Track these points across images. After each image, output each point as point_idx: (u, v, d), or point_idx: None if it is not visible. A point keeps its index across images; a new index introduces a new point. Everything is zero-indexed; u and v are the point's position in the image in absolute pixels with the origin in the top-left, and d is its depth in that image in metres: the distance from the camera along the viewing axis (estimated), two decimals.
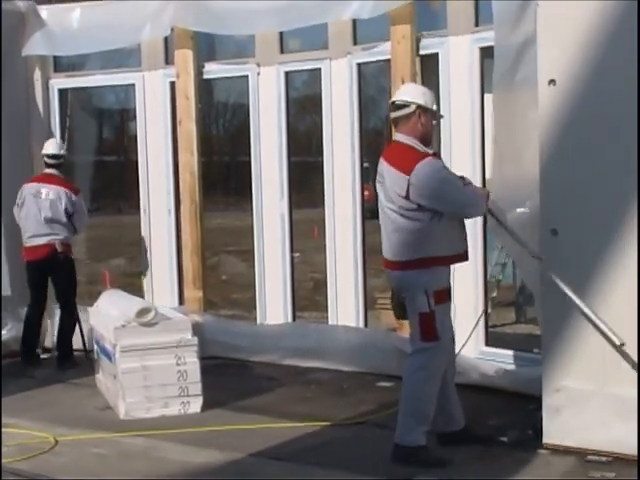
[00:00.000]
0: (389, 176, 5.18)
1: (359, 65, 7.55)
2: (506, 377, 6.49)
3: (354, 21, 7.46)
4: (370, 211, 7.31)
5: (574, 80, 5.15)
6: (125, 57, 9.11)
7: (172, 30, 8.18)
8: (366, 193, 7.95)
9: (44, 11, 8.70)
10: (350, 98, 7.58)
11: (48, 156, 8.16)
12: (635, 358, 4.96)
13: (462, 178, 5.30)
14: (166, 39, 8.42)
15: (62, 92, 9.09)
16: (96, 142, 13.94)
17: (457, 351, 5.71)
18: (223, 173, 17.78)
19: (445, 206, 5.12)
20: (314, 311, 9.26)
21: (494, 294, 9.57)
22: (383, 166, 5.25)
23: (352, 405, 6.49)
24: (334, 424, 6.03)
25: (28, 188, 8.12)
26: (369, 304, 8.15)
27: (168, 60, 8.50)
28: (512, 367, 6.63)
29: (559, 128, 5.23)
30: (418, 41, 7.07)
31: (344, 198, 7.66)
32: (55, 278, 8.09)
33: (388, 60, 7.21)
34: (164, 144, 8.57)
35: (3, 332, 8.35)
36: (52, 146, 8.21)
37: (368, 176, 8.64)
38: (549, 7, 5.21)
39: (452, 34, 6.89)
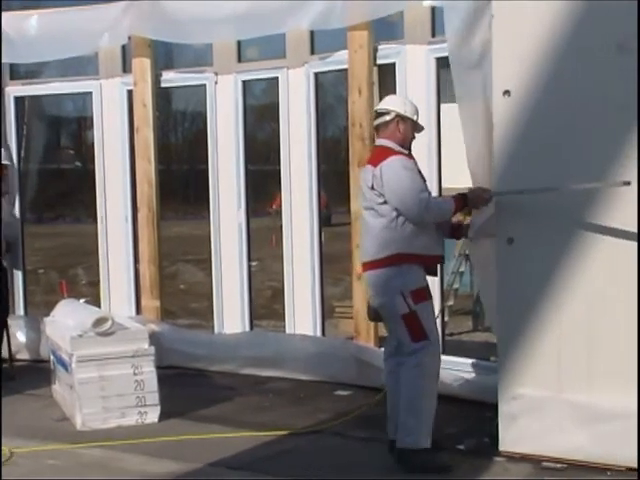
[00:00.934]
0: (364, 174, 5.35)
1: (316, 74, 7.58)
2: (463, 385, 6.52)
3: (312, 31, 7.49)
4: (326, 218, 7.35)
5: (529, 91, 5.21)
6: (83, 65, 9.05)
7: (130, 38, 8.15)
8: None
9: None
10: (307, 107, 7.60)
11: None
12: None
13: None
14: (124, 47, 8.38)
15: (18, 100, 9.01)
16: (54, 150, 13.85)
17: None
18: (182, 181, 17.70)
19: (394, 201, 5.16)
20: (272, 320, 9.26)
21: (451, 302, 9.65)
22: (362, 169, 5.42)
23: (310, 414, 6.50)
24: (292, 433, 6.02)
25: None
26: (327, 313, 8.15)
27: (126, 68, 8.46)
28: (469, 375, 6.66)
29: (514, 138, 5.28)
30: (375, 51, 7.11)
31: (301, 206, 7.68)
32: None
33: (346, 69, 7.24)
34: (121, 152, 8.54)
35: None
36: None
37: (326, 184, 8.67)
38: (504, 19, 5.27)
39: (409, 44, 6.94)
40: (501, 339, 5.46)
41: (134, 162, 8.40)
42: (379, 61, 7.15)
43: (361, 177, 5.45)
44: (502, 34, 5.27)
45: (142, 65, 8.22)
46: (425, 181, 5.38)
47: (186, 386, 7.44)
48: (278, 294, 8.29)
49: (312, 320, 7.70)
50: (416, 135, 5.45)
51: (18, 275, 8.91)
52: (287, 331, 7.86)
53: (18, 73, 9.07)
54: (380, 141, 5.41)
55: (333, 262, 9.08)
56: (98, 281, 8.84)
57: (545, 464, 5.19)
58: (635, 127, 4.91)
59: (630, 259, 4.98)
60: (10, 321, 8.23)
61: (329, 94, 12.23)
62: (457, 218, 5.73)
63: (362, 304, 7.16)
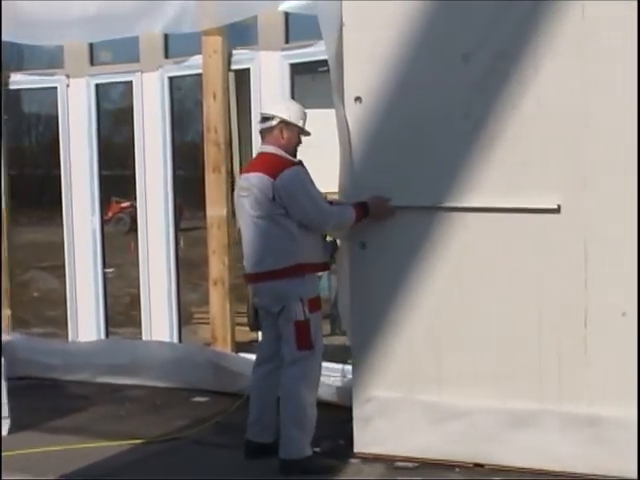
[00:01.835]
0: (258, 183, 5.20)
1: (171, 79, 7.51)
2: (321, 388, 6.55)
3: (166, 34, 7.42)
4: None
5: (379, 97, 5.30)
6: None
7: None
8: None
9: None
10: (162, 112, 7.52)
11: None
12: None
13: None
14: None
15: None
16: None
17: None
18: (36, 186, 17.24)
19: (297, 214, 5.17)
20: (131, 327, 9.10)
21: None
22: (250, 177, 5.28)
23: (167, 421, 6.42)
24: (148, 441, 5.94)
25: None
26: (186, 319, 8.09)
27: None
28: (327, 379, 6.71)
29: (366, 144, 5.36)
30: (230, 56, 7.10)
31: (157, 212, 7.60)
32: None
33: (201, 74, 7.19)
34: None
35: None
36: None
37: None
38: (354, 27, 5.34)
39: (263, 49, 6.95)
40: (355, 342, 5.54)
41: None
42: (234, 66, 7.15)
43: (248, 183, 5.27)
44: (352, 41, 5.34)
45: None
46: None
47: (39, 397, 7.23)
48: (136, 301, 8.17)
49: (169, 326, 7.63)
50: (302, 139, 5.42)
51: None
52: (144, 338, 7.76)
53: None
54: (265, 147, 5.37)
55: (192, 267, 9.01)
56: None
57: (398, 464, 5.29)
58: (478, 134, 5.07)
59: (475, 262, 5.15)
60: None
61: (188, 99, 12.15)
62: None
63: (219, 310, 7.16)
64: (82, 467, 5.45)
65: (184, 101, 10.92)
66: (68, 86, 7.89)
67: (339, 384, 6.49)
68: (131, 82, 7.68)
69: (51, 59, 8.46)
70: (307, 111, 5.44)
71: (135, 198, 7.75)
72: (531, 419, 5.07)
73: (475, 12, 5.07)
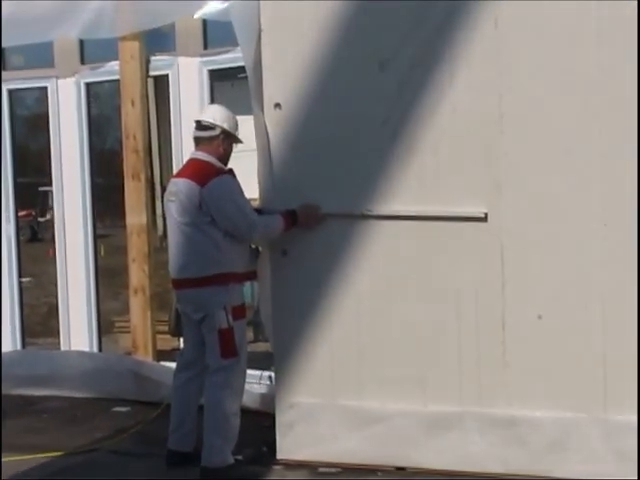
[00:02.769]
0: (186, 189, 5.16)
1: (88, 85, 7.42)
2: (246, 395, 6.54)
3: (82, 40, 7.32)
4: None
5: (298, 104, 5.30)
6: None
7: None
8: None
9: None
10: (79, 118, 7.43)
11: None
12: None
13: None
14: None
15: None
16: None
17: None
18: None
19: (224, 223, 5.14)
20: (49, 337, 8.94)
21: None
22: (178, 182, 5.24)
23: (86, 432, 6.31)
24: (66, 453, 5.83)
25: None
26: (106, 328, 7.98)
27: None
28: (250, 386, 6.68)
29: (286, 151, 5.36)
30: (148, 62, 7.04)
31: (75, 220, 7.49)
32: None
33: (119, 80, 7.11)
34: None
35: None
36: None
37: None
38: (272, 33, 5.33)
39: (181, 55, 6.92)
40: (277, 349, 5.53)
41: None
42: (152, 72, 7.10)
43: (176, 188, 5.24)
44: (271, 48, 5.33)
45: None
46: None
47: None
48: (54, 310, 8.03)
49: (89, 336, 7.53)
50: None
51: None
52: (62, 348, 7.63)
53: None
54: (199, 154, 5.31)
55: (113, 276, 8.89)
56: None
57: (321, 469, 5.30)
58: (396, 141, 5.12)
59: (395, 267, 5.18)
60: None
61: (106, 105, 11.99)
62: None
63: (139, 318, 7.08)
64: None
65: (102, 107, 10.76)
66: None
67: (262, 391, 6.47)
68: (46, 88, 7.57)
69: None
70: None
71: (35, 206, 7.66)
72: (451, 421, 5.12)
73: (392, 19, 5.10)
